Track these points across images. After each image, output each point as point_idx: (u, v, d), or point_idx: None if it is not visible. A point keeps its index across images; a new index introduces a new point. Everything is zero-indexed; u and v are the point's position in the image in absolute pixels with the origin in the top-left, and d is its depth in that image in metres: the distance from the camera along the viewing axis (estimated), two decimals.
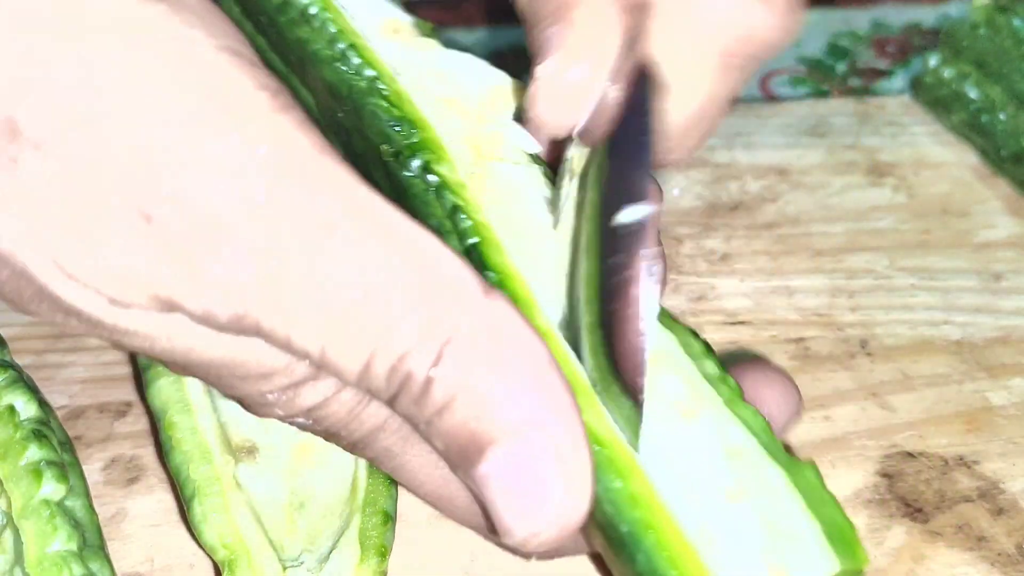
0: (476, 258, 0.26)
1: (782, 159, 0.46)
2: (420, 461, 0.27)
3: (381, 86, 0.28)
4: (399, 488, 0.30)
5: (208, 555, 0.28)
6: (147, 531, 0.31)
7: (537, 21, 0.28)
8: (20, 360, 0.33)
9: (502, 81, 0.30)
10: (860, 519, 0.31)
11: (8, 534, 0.27)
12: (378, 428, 0.26)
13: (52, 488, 0.27)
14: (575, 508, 0.23)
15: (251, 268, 0.22)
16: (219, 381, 0.25)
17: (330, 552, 0.28)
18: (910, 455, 0.33)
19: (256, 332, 0.23)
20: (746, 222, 0.43)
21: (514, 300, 0.25)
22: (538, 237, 0.27)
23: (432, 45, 0.30)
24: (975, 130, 0.46)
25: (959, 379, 0.36)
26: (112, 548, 0.29)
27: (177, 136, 0.22)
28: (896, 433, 0.34)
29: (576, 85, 0.27)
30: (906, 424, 0.34)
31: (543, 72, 0.27)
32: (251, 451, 0.30)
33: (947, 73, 0.48)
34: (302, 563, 0.28)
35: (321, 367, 0.24)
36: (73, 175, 0.22)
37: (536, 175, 0.28)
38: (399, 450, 0.27)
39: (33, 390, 0.30)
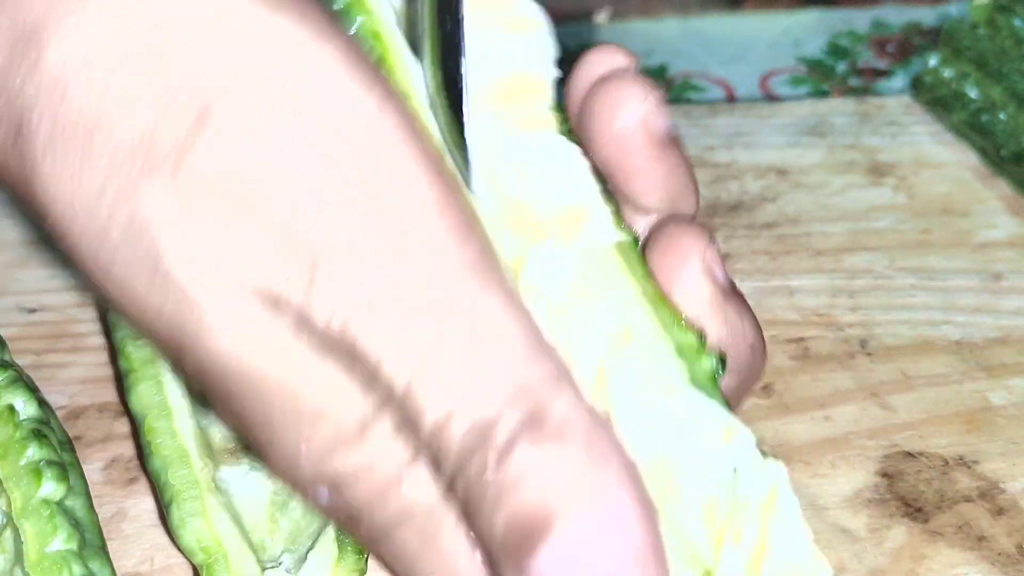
0: None
1: (782, 159, 0.46)
2: (430, 568, 0.25)
3: None
4: None
5: (187, 559, 0.28)
6: (147, 531, 0.31)
7: None
8: (20, 360, 0.33)
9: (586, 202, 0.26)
10: (860, 519, 0.31)
11: (8, 534, 0.27)
12: (405, 514, 0.24)
13: (52, 488, 0.27)
14: None
15: (362, 282, 0.22)
16: (262, 421, 0.24)
17: (308, 552, 0.28)
18: (910, 455, 0.33)
19: (351, 348, 0.22)
20: (746, 222, 0.43)
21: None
22: None
23: (549, 123, 0.26)
24: (975, 130, 0.46)
25: (959, 379, 0.36)
26: (112, 548, 0.29)
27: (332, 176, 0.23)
28: (896, 433, 0.34)
29: None
30: (906, 424, 0.34)
31: None
32: (232, 452, 0.30)
33: (947, 73, 0.48)
34: (281, 563, 0.28)
35: (401, 402, 0.23)
36: (237, 167, 0.23)
37: None
38: (415, 549, 0.25)
39: (33, 390, 0.30)
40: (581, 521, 0.21)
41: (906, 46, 0.58)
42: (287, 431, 0.24)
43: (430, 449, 0.23)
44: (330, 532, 0.28)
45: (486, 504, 0.22)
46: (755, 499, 0.23)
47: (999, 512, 0.32)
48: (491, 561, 0.23)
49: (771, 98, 0.54)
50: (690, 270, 0.26)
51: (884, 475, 0.33)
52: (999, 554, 0.30)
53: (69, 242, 0.24)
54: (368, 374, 0.23)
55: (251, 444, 0.25)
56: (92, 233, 0.24)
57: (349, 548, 0.28)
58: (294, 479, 0.25)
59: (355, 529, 0.25)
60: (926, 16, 0.60)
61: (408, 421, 0.23)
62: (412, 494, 0.24)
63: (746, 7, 0.61)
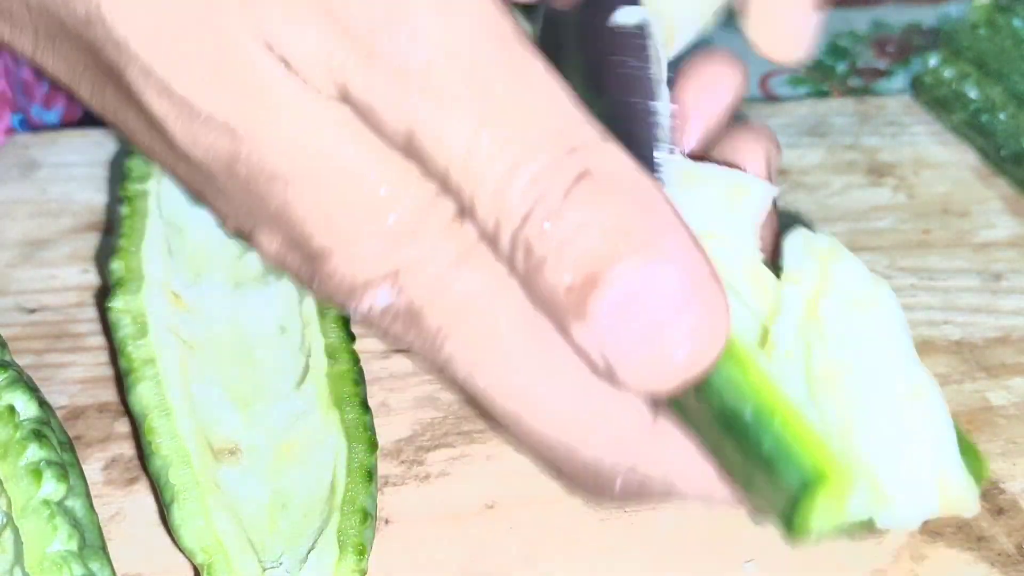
0: None
1: (782, 159, 0.46)
2: (492, 358, 0.25)
3: None
4: (383, 492, 0.30)
5: (188, 559, 0.28)
6: (147, 531, 0.31)
7: None
8: (20, 360, 0.33)
9: None
10: None
11: (8, 534, 0.27)
12: (465, 302, 0.25)
13: (52, 488, 0.27)
14: (714, 338, 0.22)
15: (422, 58, 0.23)
16: (323, 222, 0.25)
17: (308, 552, 0.28)
18: None
19: (413, 119, 0.23)
20: None
21: None
22: None
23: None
24: (975, 130, 0.46)
25: (959, 379, 0.36)
26: (112, 548, 0.29)
27: None
28: None
29: None
30: None
31: None
32: (233, 452, 0.30)
33: (947, 73, 0.48)
34: (281, 564, 0.28)
35: (454, 178, 0.23)
36: None
37: None
38: (476, 339, 0.25)
39: (33, 390, 0.30)
40: (636, 263, 0.21)
41: (906, 46, 0.58)
42: (349, 227, 0.25)
43: (492, 218, 0.23)
44: (331, 532, 0.28)
45: (549, 258, 0.22)
46: (816, 248, 0.24)
47: (999, 512, 0.32)
48: (556, 322, 0.23)
49: (771, 98, 0.54)
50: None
51: None
52: (999, 554, 0.30)
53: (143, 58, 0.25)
54: (435, 139, 0.23)
55: (307, 259, 0.26)
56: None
57: (350, 548, 0.28)
58: (352, 285, 0.25)
59: (415, 328, 0.25)
60: (926, 16, 0.60)
61: (467, 197, 0.23)
62: (471, 282, 0.25)
63: None
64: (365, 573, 0.28)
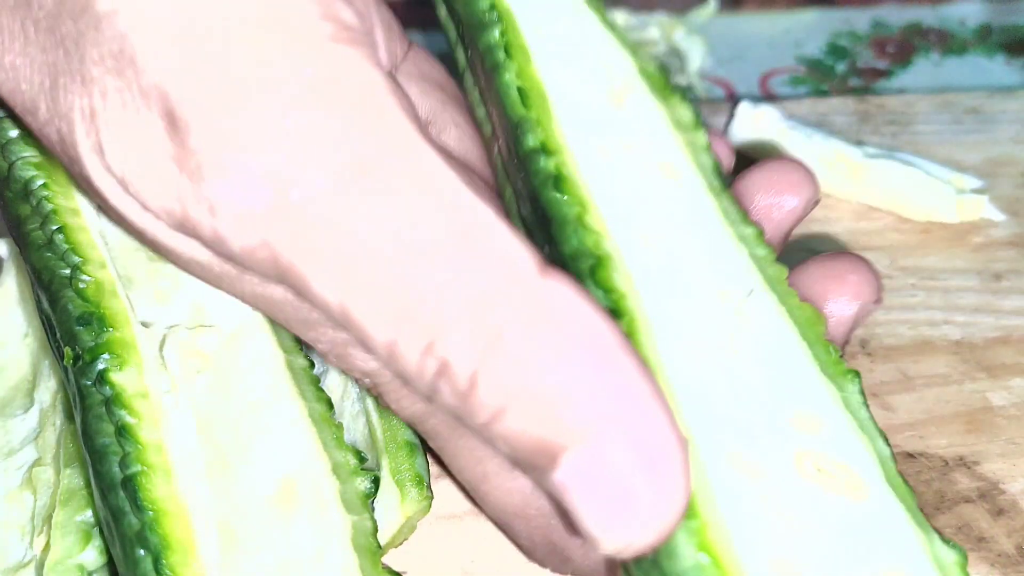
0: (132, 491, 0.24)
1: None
2: (461, 454, 0.25)
3: (82, 276, 0.26)
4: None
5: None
6: None
7: None
8: None
9: None
10: None
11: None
12: (428, 413, 0.24)
13: (93, 557, 0.27)
14: (671, 510, 0.20)
15: (267, 195, 0.20)
16: (274, 318, 0.24)
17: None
18: (910, 455, 0.33)
19: (274, 272, 0.21)
20: None
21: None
22: None
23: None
24: None
25: (959, 379, 0.36)
26: None
27: (222, 32, 0.21)
28: (896, 433, 0.34)
29: None
30: (906, 424, 0.34)
31: None
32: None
33: None
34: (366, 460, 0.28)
35: (346, 327, 0.21)
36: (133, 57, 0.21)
37: None
38: (445, 436, 0.25)
39: None
40: (588, 432, 0.19)
41: (906, 46, 0.58)
42: (298, 330, 0.24)
43: (398, 376, 0.21)
44: (386, 476, 0.28)
45: (479, 429, 0.20)
46: None
47: (999, 513, 0.32)
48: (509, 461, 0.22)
49: (771, 98, 0.54)
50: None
51: None
52: (999, 555, 0.30)
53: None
54: (304, 296, 0.21)
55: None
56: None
57: (408, 483, 0.28)
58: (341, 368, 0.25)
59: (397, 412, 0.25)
60: (926, 16, 0.60)
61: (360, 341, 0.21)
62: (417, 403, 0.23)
63: (746, 7, 0.61)
64: (432, 499, 0.28)
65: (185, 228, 0.22)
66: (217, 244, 0.21)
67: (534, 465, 0.20)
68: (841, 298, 0.27)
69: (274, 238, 0.20)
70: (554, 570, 0.28)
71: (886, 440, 0.24)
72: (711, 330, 0.24)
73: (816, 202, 0.29)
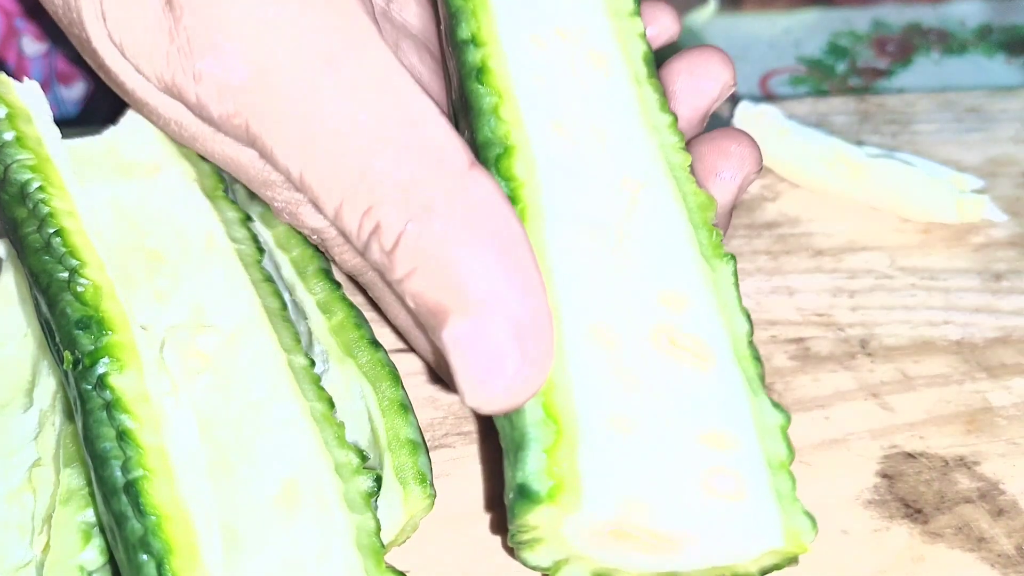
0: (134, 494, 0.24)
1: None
2: (394, 304, 0.30)
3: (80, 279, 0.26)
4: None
5: None
6: None
7: None
8: None
9: None
10: (860, 520, 0.31)
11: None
12: (366, 266, 0.29)
13: (93, 556, 0.27)
14: (529, 384, 0.24)
15: (245, 73, 0.24)
16: (235, 176, 0.28)
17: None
18: (910, 456, 0.33)
19: (245, 137, 0.25)
20: (746, 221, 0.43)
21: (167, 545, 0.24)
22: None
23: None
24: None
25: (959, 379, 0.36)
26: None
27: None
28: (896, 433, 0.34)
29: None
30: (906, 424, 0.34)
31: None
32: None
33: None
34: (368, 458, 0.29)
35: (301, 191, 0.25)
36: None
37: None
38: (381, 287, 0.29)
39: None
40: (476, 303, 0.23)
41: (906, 46, 0.58)
42: (255, 189, 0.28)
43: (341, 233, 0.25)
44: (388, 474, 0.28)
45: (393, 282, 0.24)
46: None
47: (999, 513, 0.32)
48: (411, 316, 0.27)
49: (771, 98, 0.54)
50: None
51: (884, 476, 0.33)
52: (999, 555, 0.30)
53: None
54: (268, 160, 0.25)
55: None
56: None
57: (411, 480, 0.28)
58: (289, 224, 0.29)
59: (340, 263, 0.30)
60: (926, 16, 0.60)
61: (312, 200, 0.25)
62: (354, 258, 0.28)
63: (746, 7, 0.61)
64: (435, 497, 0.28)
65: (172, 92, 0.25)
66: (198, 108, 0.25)
67: (428, 323, 0.24)
68: (726, 171, 0.30)
69: (248, 109, 0.24)
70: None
71: (748, 318, 0.27)
72: (603, 216, 0.27)
73: (732, 87, 0.31)
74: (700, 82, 0.30)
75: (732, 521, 0.24)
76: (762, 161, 0.31)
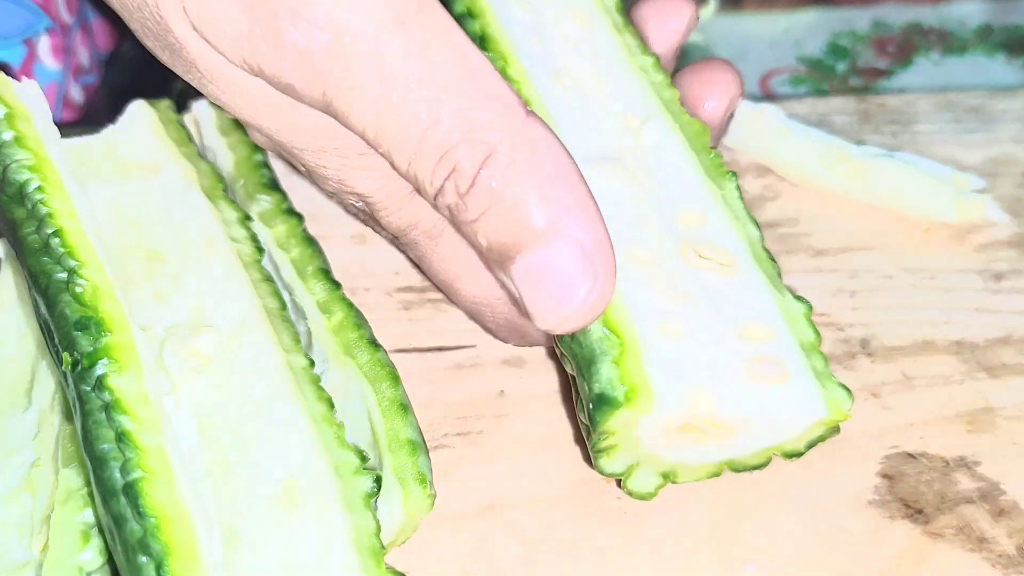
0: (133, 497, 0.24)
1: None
2: (438, 257, 0.32)
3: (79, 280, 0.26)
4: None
5: None
6: None
7: None
8: None
9: None
10: (861, 520, 0.31)
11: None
12: (412, 225, 0.31)
13: (91, 556, 0.26)
14: (599, 303, 0.26)
15: (325, 39, 0.26)
16: (284, 149, 0.30)
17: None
18: (911, 456, 0.33)
19: (321, 102, 0.26)
20: None
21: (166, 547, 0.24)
22: None
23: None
24: None
25: (960, 379, 0.36)
26: None
27: None
28: (897, 434, 0.34)
29: None
30: (907, 425, 0.34)
31: None
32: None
33: None
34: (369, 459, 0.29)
35: (376, 146, 0.27)
36: None
37: None
38: (424, 244, 0.32)
39: None
40: (546, 234, 0.26)
41: (906, 46, 0.58)
42: (306, 157, 0.30)
43: (414, 181, 0.27)
44: (388, 474, 0.28)
45: (465, 227, 0.27)
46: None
47: (1000, 513, 0.32)
48: (480, 255, 0.28)
49: (771, 97, 0.54)
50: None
51: (885, 476, 0.33)
52: (1000, 556, 0.30)
53: None
54: (344, 120, 0.27)
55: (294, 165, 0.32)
56: None
57: (411, 481, 0.28)
58: (331, 190, 0.31)
59: (377, 228, 0.32)
60: (926, 16, 0.60)
61: (385, 155, 0.27)
62: (417, 212, 0.30)
63: (746, 7, 0.61)
64: (435, 497, 0.29)
65: (248, 64, 0.27)
66: (277, 78, 0.27)
67: (498, 259, 0.26)
68: (712, 99, 0.34)
69: (326, 75, 0.26)
70: (515, 344, 0.35)
71: (756, 224, 0.31)
72: (616, 152, 0.31)
73: (696, 19, 0.35)
74: (667, 22, 0.34)
75: (781, 401, 0.28)
76: (743, 84, 0.35)
